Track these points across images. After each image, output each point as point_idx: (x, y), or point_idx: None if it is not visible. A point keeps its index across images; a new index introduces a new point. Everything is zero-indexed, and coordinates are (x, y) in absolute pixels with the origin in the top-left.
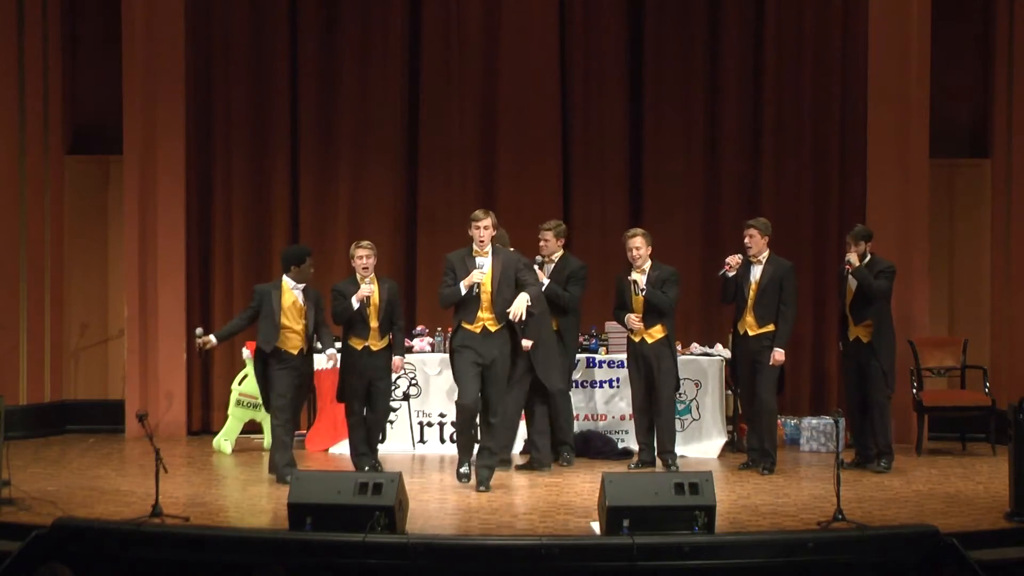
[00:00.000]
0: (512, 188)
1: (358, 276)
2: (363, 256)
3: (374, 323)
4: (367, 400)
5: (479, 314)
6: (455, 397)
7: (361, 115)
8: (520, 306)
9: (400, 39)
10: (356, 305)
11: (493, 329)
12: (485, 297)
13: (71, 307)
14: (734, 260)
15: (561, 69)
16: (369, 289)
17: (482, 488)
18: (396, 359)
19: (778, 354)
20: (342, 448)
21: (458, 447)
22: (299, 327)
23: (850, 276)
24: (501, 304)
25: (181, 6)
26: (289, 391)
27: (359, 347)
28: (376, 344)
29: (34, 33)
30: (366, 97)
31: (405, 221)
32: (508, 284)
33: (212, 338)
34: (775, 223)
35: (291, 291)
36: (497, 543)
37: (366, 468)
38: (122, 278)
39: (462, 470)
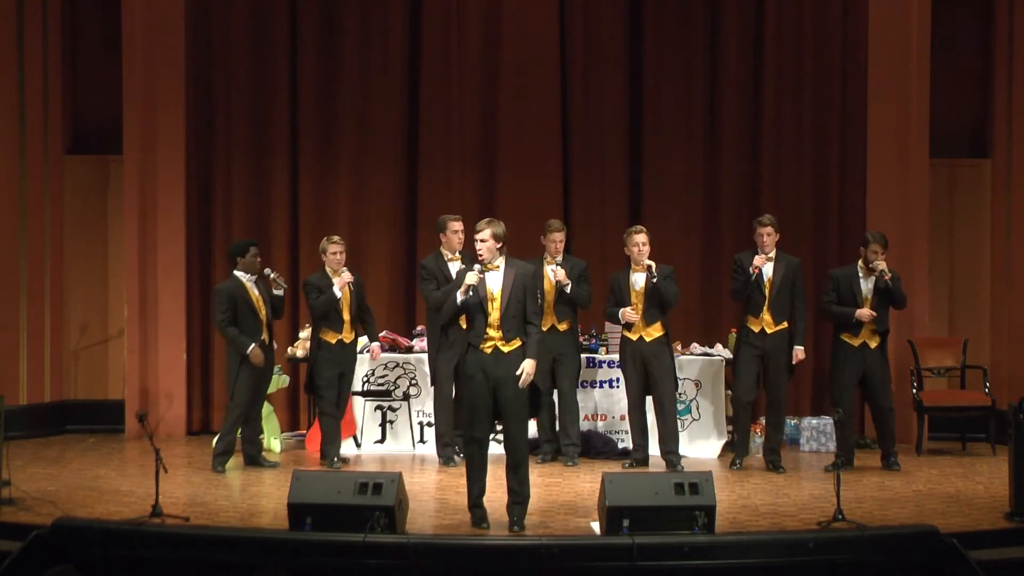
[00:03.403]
0: (512, 188)
1: (328, 270)
2: (337, 252)
3: (347, 315)
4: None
5: (488, 332)
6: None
7: (361, 115)
8: (527, 378)
9: (400, 39)
10: (338, 295)
11: (506, 350)
12: (496, 314)
13: (71, 307)
14: (760, 261)
15: (561, 69)
16: (350, 276)
17: (516, 528)
18: (374, 346)
19: (800, 352)
20: (345, 448)
21: (471, 492)
22: (263, 317)
23: (864, 280)
24: (509, 323)
25: (181, 6)
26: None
27: (333, 340)
28: (348, 336)
29: (34, 33)
30: (366, 97)
31: (405, 221)
32: (517, 301)
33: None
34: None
35: (248, 284)
36: (497, 543)
37: (335, 460)
38: (122, 278)
39: (479, 514)
